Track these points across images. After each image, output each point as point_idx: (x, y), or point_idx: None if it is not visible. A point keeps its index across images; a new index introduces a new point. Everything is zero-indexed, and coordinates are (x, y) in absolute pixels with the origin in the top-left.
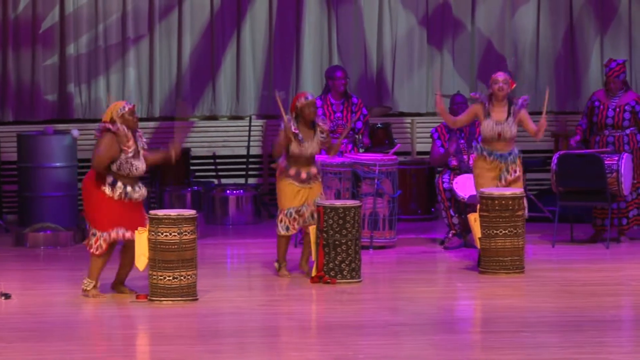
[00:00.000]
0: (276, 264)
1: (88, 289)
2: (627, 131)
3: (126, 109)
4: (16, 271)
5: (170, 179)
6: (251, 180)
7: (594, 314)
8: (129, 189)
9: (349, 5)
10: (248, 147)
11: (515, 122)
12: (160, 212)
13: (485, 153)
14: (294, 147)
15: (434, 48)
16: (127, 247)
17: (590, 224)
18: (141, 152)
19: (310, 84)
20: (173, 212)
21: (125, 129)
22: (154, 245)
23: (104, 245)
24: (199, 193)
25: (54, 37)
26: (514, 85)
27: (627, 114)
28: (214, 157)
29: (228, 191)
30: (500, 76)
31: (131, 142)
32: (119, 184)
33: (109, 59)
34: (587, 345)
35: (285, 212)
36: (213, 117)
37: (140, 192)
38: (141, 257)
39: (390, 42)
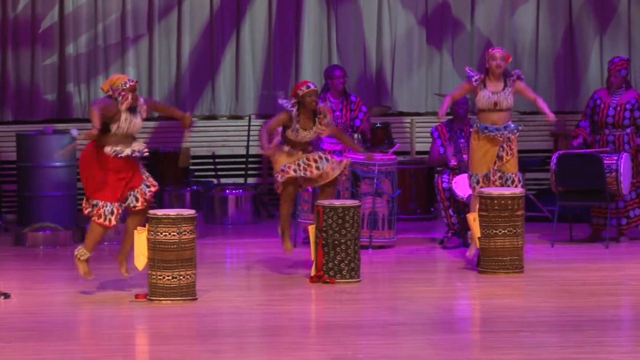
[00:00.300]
0: (279, 230)
1: (82, 258)
2: (628, 130)
3: (127, 85)
4: (15, 271)
5: (170, 178)
6: (250, 180)
7: (593, 313)
8: (128, 148)
9: (349, 5)
10: (247, 146)
11: (512, 93)
12: (160, 212)
13: (478, 128)
14: (290, 134)
15: (433, 48)
16: (133, 216)
17: (589, 224)
18: (139, 114)
19: None
20: (172, 212)
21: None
22: (153, 245)
23: (112, 218)
24: (198, 193)
25: (53, 37)
26: (510, 59)
27: (627, 113)
28: (213, 156)
29: (227, 191)
30: (497, 52)
31: (124, 105)
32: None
33: (108, 58)
34: (587, 344)
35: (282, 166)
36: (212, 117)
37: (136, 147)
38: (140, 257)
39: (390, 42)
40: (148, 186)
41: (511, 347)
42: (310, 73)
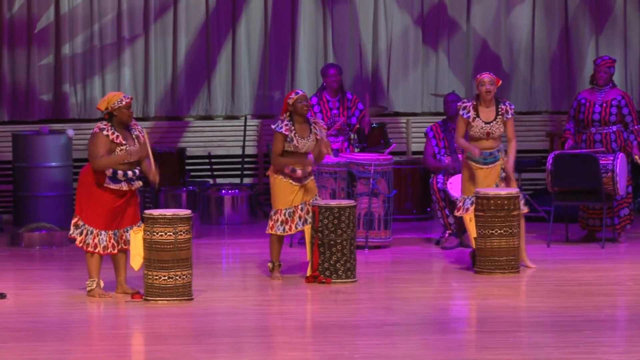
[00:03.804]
0: (270, 265)
1: (92, 288)
2: (614, 128)
3: (123, 102)
4: (11, 271)
5: (166, 178)
6: (246, 180)
7: (588, 313)
8: (129, 173)
9: (344, 5)
10: (243, 146)
11: (502, 122)
12: (156, 212)
13: (471, 160)
14: (290, 147)
15: (429, 48)
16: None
17: (580, 225)
18: (136, 140)
19: (305, 83)
20: (168, 212)
21: (113, 133)
22: (149, 245)
23: (100, 247)
24: (194, 193)
25: (49, 37)
26: (500, 83)
27: (614, 109)
28: (209, 156)
29: (223, 191)
30: (486, 77)
31: (120, 139)
32: (119, 173)
33: (104, 58)
34: (582, 344)
35: (283, 211)
36: (208, 117)
37: (136, 182)
38: (136, 257)
39: (386, 42)
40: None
41: (507, 347)
42: (305, 73)
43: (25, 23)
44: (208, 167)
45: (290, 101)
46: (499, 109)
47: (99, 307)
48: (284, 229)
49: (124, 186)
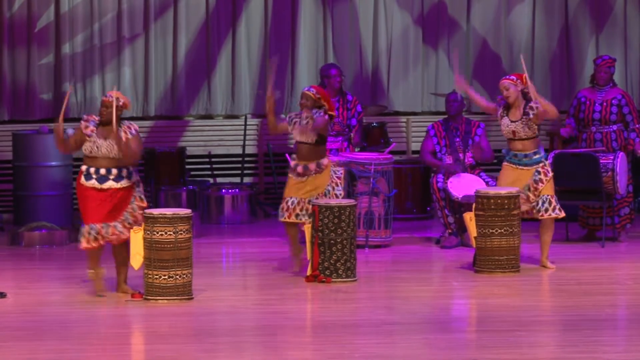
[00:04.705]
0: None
1: (93, 279)
2: (614, 127)
3: (102, 100)
4: (11, 270)
5: (166, 178)
6: (247, 179)
7: (589, 313)
8: (102, 171)
9: (345, 5)
10: (243, 146)
11: (531, 121)
12: (156, 211)
13: (507, 158)
14: (295, 135)
15: (429, 47)
16: (118, 246)
17: (580, 224)
18: (119, 136)
19: (305, 83)
20: (168, 211)
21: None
22: (149, 244)
23: (94, 242)
24: (195, 192)
25: (49, 36)
26: (525, 78)
27: (614, 108)
28: (209, 156)
29: (223, 190)
30: (505, 82)
31: (88, 131)
32: (85, 167)
33: (104, 58)
34: (582, 344)
35: (287, 200)
36: (208, 116)
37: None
38: (136, 256)
39: (386, 42)
40: (134, 209)
41: (507, 347)
42: (306, 73)
43: (26, 22)
44: (208, 166)
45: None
46: (526, 109)
47: (99, 306)
48: (282, 216)
49: (96, 184)
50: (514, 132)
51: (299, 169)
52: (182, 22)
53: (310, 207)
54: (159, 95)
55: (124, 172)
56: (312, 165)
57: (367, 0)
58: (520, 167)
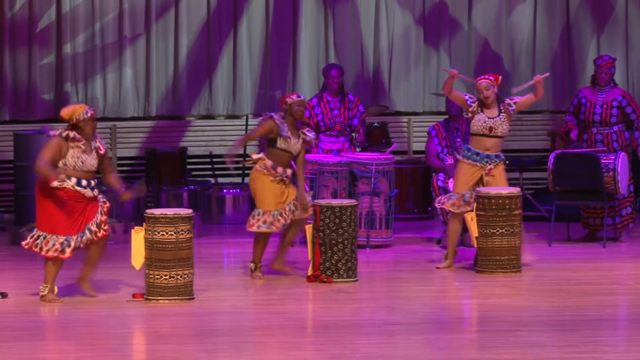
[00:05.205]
0: (251, 265)
1: (44, 294)
2: (615, 128)
3: (88, 115)
4: (12, 270)
5: (167, 178)
6: (247, 180)
7: (589, 313)
8: (83, 182)
9: (346, 5)
10: (245, 146)
11: (507, 119)
12: (157, 211)
13: (466, 155)
14: (281, 143)
15: (430, 47)
16: (92, 245)
17: (582, 224)
18: (94, 151)
19: (306, 83)
20: (169, 211)
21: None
22: (150, 245)
23: (68, 250)
24: (196, 192)
25: (50, 36)
26: (499, 79)
27: (614, 110)
28: (211, 156)
29: (224, 190)
30: (483, 83)
31: (81, 143)
32: (65, 177)
33: (105, 58)
34: (583, 344)
35: (272, 213)
36: (210, 116)
37: (88, 190)
38: (137, 256)
39: (387, 42)
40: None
41: (508, 347)
42: (307, 73)
43: (27, 22)
44: (209, 166)
45: (289, 101)
46: (501, 107)
47: (100, 306)
48: (268, 227)
49: (84, 192)
50: (490, 129)
51: (279, 169)
52: (183, 22)
53: (289, 208)
54: (160, 95)
55: (95, 182)
56: (289, 172)
57: (369, 0)
58: (477, 164)
